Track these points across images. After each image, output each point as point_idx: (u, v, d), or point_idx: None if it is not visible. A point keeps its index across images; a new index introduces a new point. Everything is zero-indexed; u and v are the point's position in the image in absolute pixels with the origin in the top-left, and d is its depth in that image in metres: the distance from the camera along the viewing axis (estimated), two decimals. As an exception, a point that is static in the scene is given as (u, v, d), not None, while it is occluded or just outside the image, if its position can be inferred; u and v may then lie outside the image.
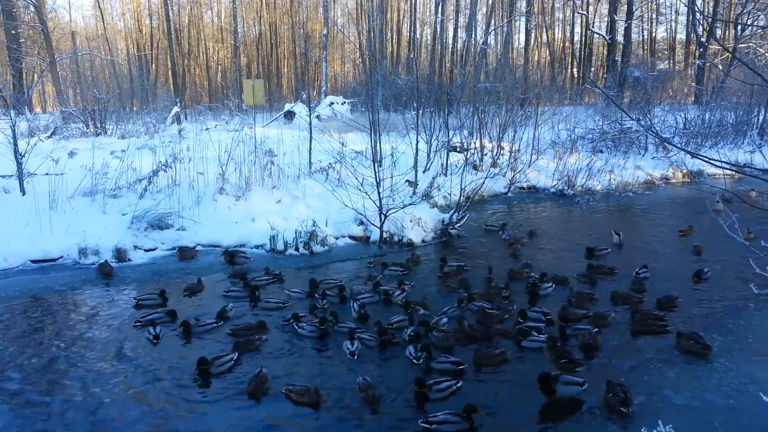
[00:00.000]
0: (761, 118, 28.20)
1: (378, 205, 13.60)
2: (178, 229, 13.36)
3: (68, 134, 23.98)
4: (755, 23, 28.79)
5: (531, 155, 21.93)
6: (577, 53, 51.33)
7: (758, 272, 4.34)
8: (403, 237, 13.80)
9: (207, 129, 25.39)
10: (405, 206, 13.89)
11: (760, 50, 35.47)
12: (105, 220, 13.29)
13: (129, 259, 12.03)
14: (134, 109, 32.29)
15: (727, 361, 7.61)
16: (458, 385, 6.79)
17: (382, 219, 13.66)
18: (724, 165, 4.44)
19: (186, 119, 32.50)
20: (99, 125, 25.57)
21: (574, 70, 51.32)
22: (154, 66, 51.93)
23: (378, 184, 13.69)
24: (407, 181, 16.62)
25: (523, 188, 20.53)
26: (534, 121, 23.29)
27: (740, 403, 6.63)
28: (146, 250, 12.59)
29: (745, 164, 22.47)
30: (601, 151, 24.07)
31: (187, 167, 15.52)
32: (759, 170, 4.97)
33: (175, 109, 30.29)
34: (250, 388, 6.72)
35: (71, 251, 11.98)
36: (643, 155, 24.66)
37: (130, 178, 15.09)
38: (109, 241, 12.22)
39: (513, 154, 21.59)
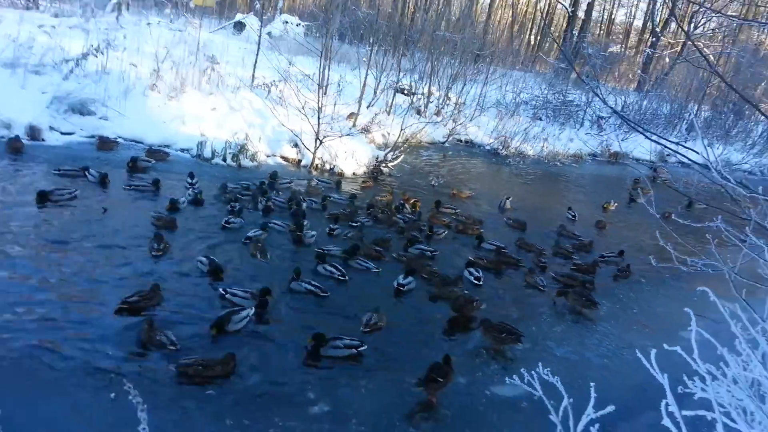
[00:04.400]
0: (693, 113, 29.47)
1: (316, 129, 13.42)
2: (101, 118, 12.71)
3: (-6, 2, 21.85)
4: (710, 18, 29.85)
5: (474, 110, 22.12)
6: (538, 20, 51.43)
7: (661, 244, 4.62)
8: (335, 166, 13.76)
9: (149, 24, 23.84)
10: (342, 135, 13.78)
11: (706, 51, 36.76)
12: (23, 95, 12.41)
13: (43, 139, 11.42)
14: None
15: (610, 326, 8.23)
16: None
17: (317, 144, 13.52)
18: (682, 150, 4.30)
19: (128, 10, 30.29)
20: (30, -3, 23.43)
21: (532, 36, 51.53)
22: (100, -56, 47.80)
23: (319, 110, 13.47)
24: (351, 113, 16.44)
25: (461, 141, 20.76)
26: (484, 78, 23.39)
27: (614, 363, 7.24)
28: (63, 133, 11.96)
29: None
30: (540, 119, 24.57)
31: (120, 57, 14.60)
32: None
33: (118, -5, 28.12)
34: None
35: (-20, 120, 11.22)
36: (578, 129, 25.38)
37: (56, 57, 14.04)
38: (23, 117, 11.50)
39: (458, 106, 21.69)
